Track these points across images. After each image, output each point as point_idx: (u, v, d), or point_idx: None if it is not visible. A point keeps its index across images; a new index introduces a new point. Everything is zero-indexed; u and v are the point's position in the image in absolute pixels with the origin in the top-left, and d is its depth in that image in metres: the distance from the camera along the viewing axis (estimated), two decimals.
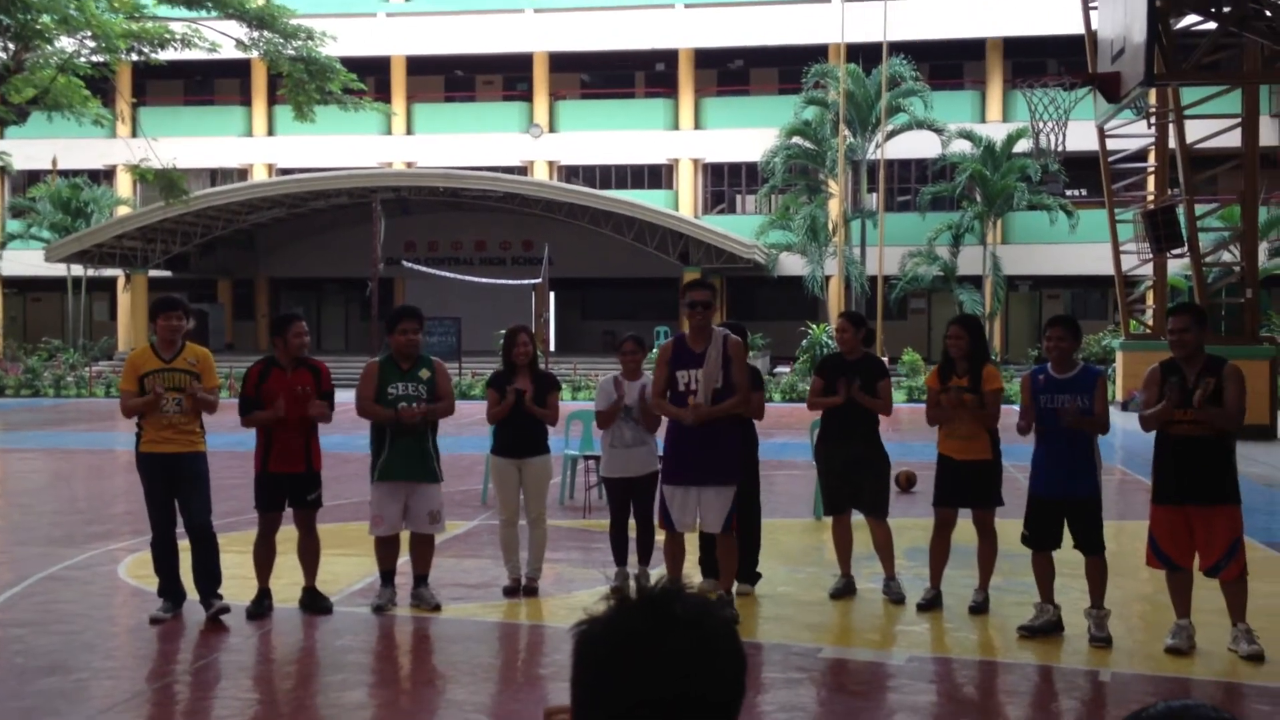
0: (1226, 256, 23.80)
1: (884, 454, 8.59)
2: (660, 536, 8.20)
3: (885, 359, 13.83)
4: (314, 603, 8.04)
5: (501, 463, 8.58)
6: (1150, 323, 27.16)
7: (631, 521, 8.69)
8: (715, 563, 8.03)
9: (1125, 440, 19.18)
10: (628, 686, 1.53)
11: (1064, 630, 7.43)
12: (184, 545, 7.87)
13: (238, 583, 8.03)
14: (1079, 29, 22.02)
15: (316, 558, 8.12)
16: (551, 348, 36.51)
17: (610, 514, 8.80)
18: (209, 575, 7.73)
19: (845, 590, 8.56)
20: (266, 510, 8.05)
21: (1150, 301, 27.62)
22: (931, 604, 8.13)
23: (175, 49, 27.56)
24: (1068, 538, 7.50)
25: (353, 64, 30.22)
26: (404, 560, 8.40)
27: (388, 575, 8.12)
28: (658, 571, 8.66)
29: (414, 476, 8.00)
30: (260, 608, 7.88)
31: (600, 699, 1.55)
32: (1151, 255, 23.83)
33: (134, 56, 27.85)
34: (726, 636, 1.58)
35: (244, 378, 8.08)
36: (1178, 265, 26.82)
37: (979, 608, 8.00)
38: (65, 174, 42.39)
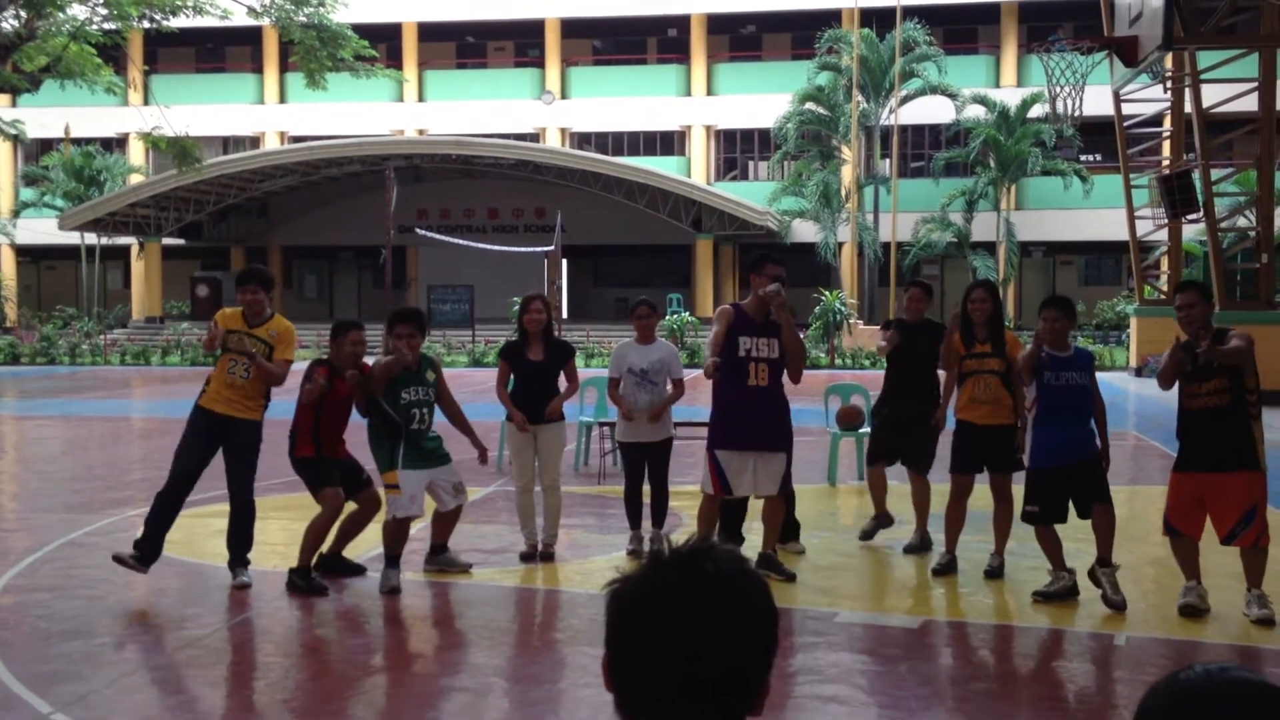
0: (1242, 221, 23.70)
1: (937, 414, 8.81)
2: (676, 501, 8.26)
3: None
4: (341, 566, 8.10)
5: (516, 430, 8.62)
6: (1165, 288, 27.09)
7: (646, 486, 8.76)
8: (735, 525, 8.33)
9: (1140, 406, 19.19)
10: (659, 643, 1.55)
11: (1079, 594, 7.45)
12: (203, 510, 7.93)
13: (258, 549, 8.07)
14: None
15: (359, 532, 8.16)
16: (564, 315, 36.52)
17: (625, 478, 8.88)
18: (243, 540, 7.78)
19: (876, 528, 8.88)
20: (334, 485, 7.86)
21: (1165, 267, 27.55)
22: (947, 569, 8.18)
23: (187, 16, 27.52)
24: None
25: (364, 31, 30.14)
26: (418, 528, 8.46)
27: (396, 559, 7.86)
28: (686, 531, 8.72)
29: (433, 465, 7.89)
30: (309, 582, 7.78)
31: (633, 655, 1.57)
32: (1166, 220, 23.73)
33: (145, 24, 27.81)
34: (757, 592, 1.60)
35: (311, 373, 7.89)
36: (1193, 231, 26.71)
37: (994, 572, 8.04)
38: (78, 142, 42.45)
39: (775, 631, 1.60)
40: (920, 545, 8.79)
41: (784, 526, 8.59)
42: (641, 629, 1.56)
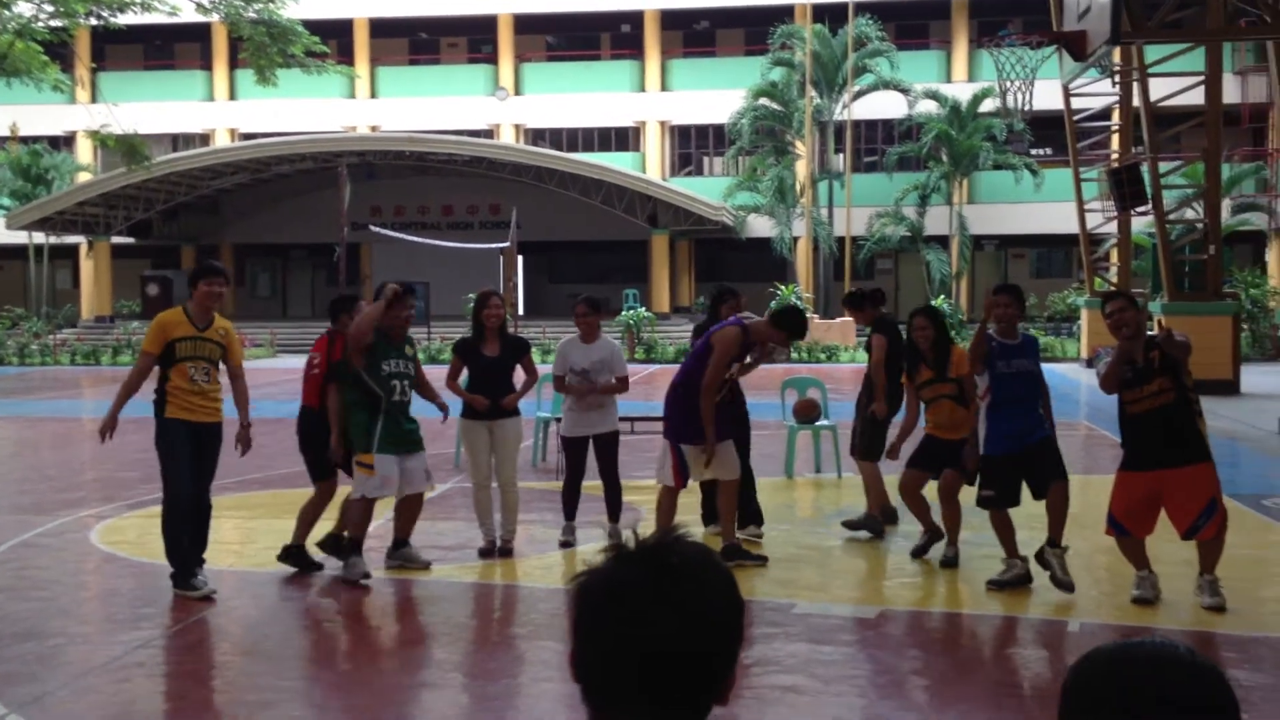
0: (1190, 213, 24.00)
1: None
2: (637, 496, 8.28)
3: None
4: (302, 560, 8.17)
5: (472, 425, 8.57)
6: (1115, 280, 27.40)
7: (594, 481, 8.82)
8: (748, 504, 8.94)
9: (1091, 396, 19.37)
10: (624, 636, 1.55)
11: (1032, 582, 7.54)
12: (156, 510, 7.84)
13: (212, 549, 8.01)
14: None
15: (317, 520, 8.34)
16: (520, 311, 36.43)
17: (567, 470, 8.90)
18: (199, 541, 7.70)
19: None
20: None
21: (1115, 259, 27.85)
22: (922, 551, 8.36)
23: (135, 13, 27.13)
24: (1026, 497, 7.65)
25: (315, 27, 29.84)
26: (376, 525, 8.42)
27: (360, 544, 7.88)
28: (645, 524, 8.74)
29: (408, 449, 7.94)
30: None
31: (598, 648, 1.57)
32: (1116, 213, 24.00)
33: (93, 21, 27.46)
34: (722, 584, 1.60)
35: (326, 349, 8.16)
36: (1141, 223, 27.01)
37: (950, 562, 8.12)
38: (25, 140, 41.85)
39: (741, 622, 1.61)
40: (863, 524, 9.14)
41: (744, 511, 8.84)
42: (607, 623, 1.56)
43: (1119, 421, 7.19)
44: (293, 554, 8.13)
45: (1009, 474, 7.51)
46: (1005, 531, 7.60)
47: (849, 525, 9.18)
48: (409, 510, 8.15)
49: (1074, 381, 23.26)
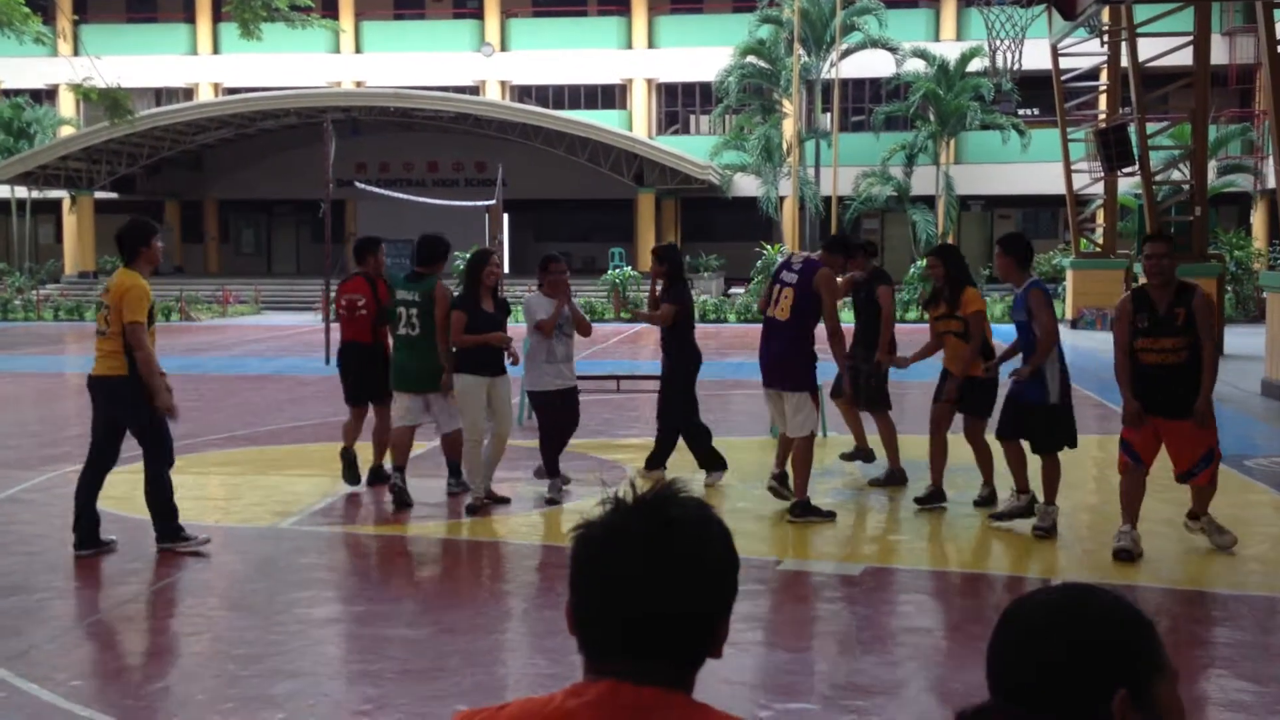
0: (1176, 175, 24.02)
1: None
2: (621, 454, 8.29)
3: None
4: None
5: (471, 382, 8.54)
6: (1100, 241, 27.45)
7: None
8: (661, 456, 9.35)
9: (1074, 358, 19.43)
10: (621, 587, 1.56)
11: (1034, 515, 7.70)
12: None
13: (200, 504, 8.02)
14: None
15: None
16: (506, 270, 36.34)
17: (543, 427, 8.90)
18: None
19: (857, 455, 9.73)
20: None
21: (1100, 220, 27.87)
22: (931, 499, 8.50)
23: None
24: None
25: None
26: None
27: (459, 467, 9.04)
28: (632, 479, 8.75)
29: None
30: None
31: (595, 599, 1.59)
32: (1103, 174, 24.00)
33: None
34: (719, 539, 1.62)
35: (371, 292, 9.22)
36: (1128, 184, 27.04)
37: (984, 501, 8.54)
38: (7, 94, 41.48)
39: (735, 577, 1.63)
40: (890, 480, 9.32)
41: (709, 457, 9.33)
42: (604, 573, 1.57)
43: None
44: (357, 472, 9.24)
45: (1009, 410, 7.82)
46: (1016, 463, 7.86)
47: (878, 483, 9.42)
48: (408, 442, 9.09)
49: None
